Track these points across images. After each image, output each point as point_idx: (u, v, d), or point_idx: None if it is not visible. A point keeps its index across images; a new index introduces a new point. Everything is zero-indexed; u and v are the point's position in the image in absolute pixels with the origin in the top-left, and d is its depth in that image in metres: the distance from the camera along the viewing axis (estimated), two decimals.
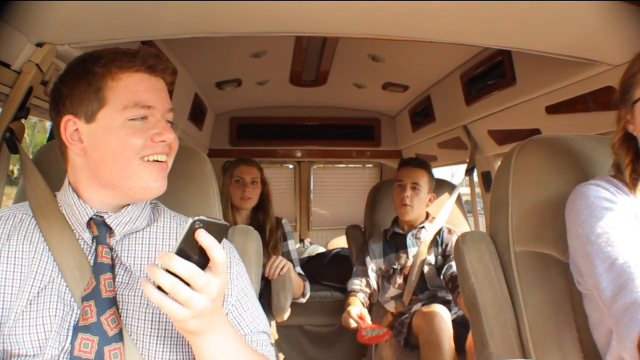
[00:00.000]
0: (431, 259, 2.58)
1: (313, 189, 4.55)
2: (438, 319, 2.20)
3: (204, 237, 0.83)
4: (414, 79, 3.08)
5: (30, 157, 1.27)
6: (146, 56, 1.03)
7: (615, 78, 1.53)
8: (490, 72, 2.24)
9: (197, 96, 3.17)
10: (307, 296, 2.77)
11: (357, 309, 2.45)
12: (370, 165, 4.56)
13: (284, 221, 2.81)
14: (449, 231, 2.66)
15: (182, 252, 0.84)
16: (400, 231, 2.73)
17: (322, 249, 4.19)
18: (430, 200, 2.72)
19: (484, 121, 2.54)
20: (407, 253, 2.67)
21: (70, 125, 1.02)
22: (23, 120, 1.43)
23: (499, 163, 1.58)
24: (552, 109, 1.97)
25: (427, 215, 2.75)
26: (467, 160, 2.85)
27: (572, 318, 1.27)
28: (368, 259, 2.75)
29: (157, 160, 1.03)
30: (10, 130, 1.35)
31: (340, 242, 4.18)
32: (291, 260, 2.64)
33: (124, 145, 0.99)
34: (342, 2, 1.29)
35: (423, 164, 2.74)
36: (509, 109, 2.23)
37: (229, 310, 1.12)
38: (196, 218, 0.83)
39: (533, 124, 2.14)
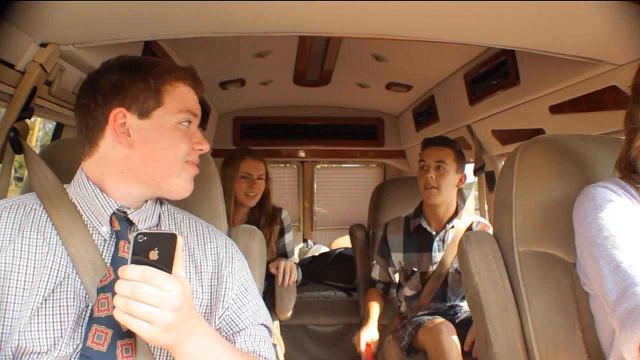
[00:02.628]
0: (457, 264, 2.28)
1: (316, 189, 4.55)
2: (444, 336, 2.09)
3: None
4: (417, 78, 3.08)
5: None
6: (194, 75, 1.16)
7: (619, 78, 1.53)
8: (494, 71, 2.23)
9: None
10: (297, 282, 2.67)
11: (369, 334, 2.37)
12: (374, 165, 4.55)
13: (283, 215, 2.69)
14: (483, 227, 2.38)
15: None
16: (428, 228, 2.45)
17: (325, 249, 4.19)
18: (461, 180, 2.43)
19: (487, 121, 2.54)
20: (431, 258, 2.41)
21: (120, 117, 1.06)
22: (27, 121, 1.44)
23: (503, 163, 1.58)
24: (555, 109, 1.97)
25: (457, 207, 2.46)
26: (472, 160, 2.84)
27: (576, 318, 1.26)
28: (387, 250, 2.54)
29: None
30: (14, 130, 1.36)
31: (343, 242, 4.18)
32: (285, 254, 2.61)
33: (176, 147, 1.08)
34: (346, 2, 1.29)
35: (447, 141, 2.44)
36: (513, 108, 2.23)
37: (229, 305, 1.13)
38: (138, 232, 0.84)
39: (537, 124, 2.14)
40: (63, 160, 1.14)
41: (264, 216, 2.63)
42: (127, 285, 0.83)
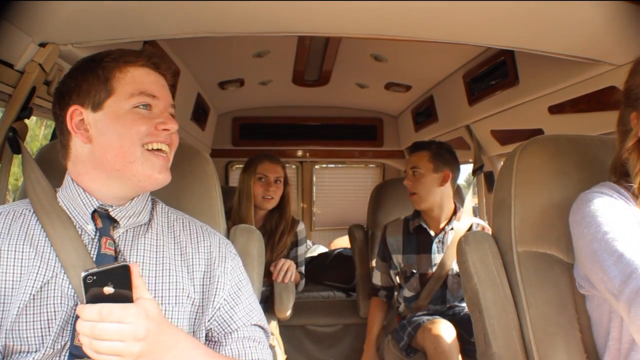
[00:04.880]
0: (457, 267, 2.23)
1: (315, 189, 4.54)
2: (443, 337, 2.09)
3: None
4: (416, 79, 3.08)
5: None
6: (151, 54, 1.12)
7: (618, 78, 1.52)
8: (493, 72, 2.24)
9: (200, 96, 3.17)
10: (299, 288, 2.73)
11: None
12: (373, 166, 4.55)
13: (299, 228, 2.69)
14: (483, 230, 2.35)
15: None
16: (427, 228, 2.46)
17: (324, 249, 4.19)
18: (444, 179, 2.39)
19: (486, 121, 2.54)
20: (430, 259, 2.41)
21: (76, 115, 1.06)
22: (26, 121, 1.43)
23: (502, 163, 1.58)
24: (554, 109, 1.97)
25: (456, 208, 2.47)
26: (470, 160, 2.84)
27: (575, 318, 1.27)
28: (387, 253, 2.53)
29: (159, 150, 1.08)
30: (13, 130, 1.36)
31: (343, 242, 4.18)
32: (296, 262, 2.62)
33: (129, 130, 1.04)
34: (345, 2, 1.29)
35: (421, 144, 2.48)
36: (512, 109, 2.23)
37: (220, 305, 1.13)
38: (86, 272, 0.82)
39: (536, 124, 2.14)
40: (60, 161, 1.14)
41: (284, 223, 2.62)
42: (87, 326, 0.82)
